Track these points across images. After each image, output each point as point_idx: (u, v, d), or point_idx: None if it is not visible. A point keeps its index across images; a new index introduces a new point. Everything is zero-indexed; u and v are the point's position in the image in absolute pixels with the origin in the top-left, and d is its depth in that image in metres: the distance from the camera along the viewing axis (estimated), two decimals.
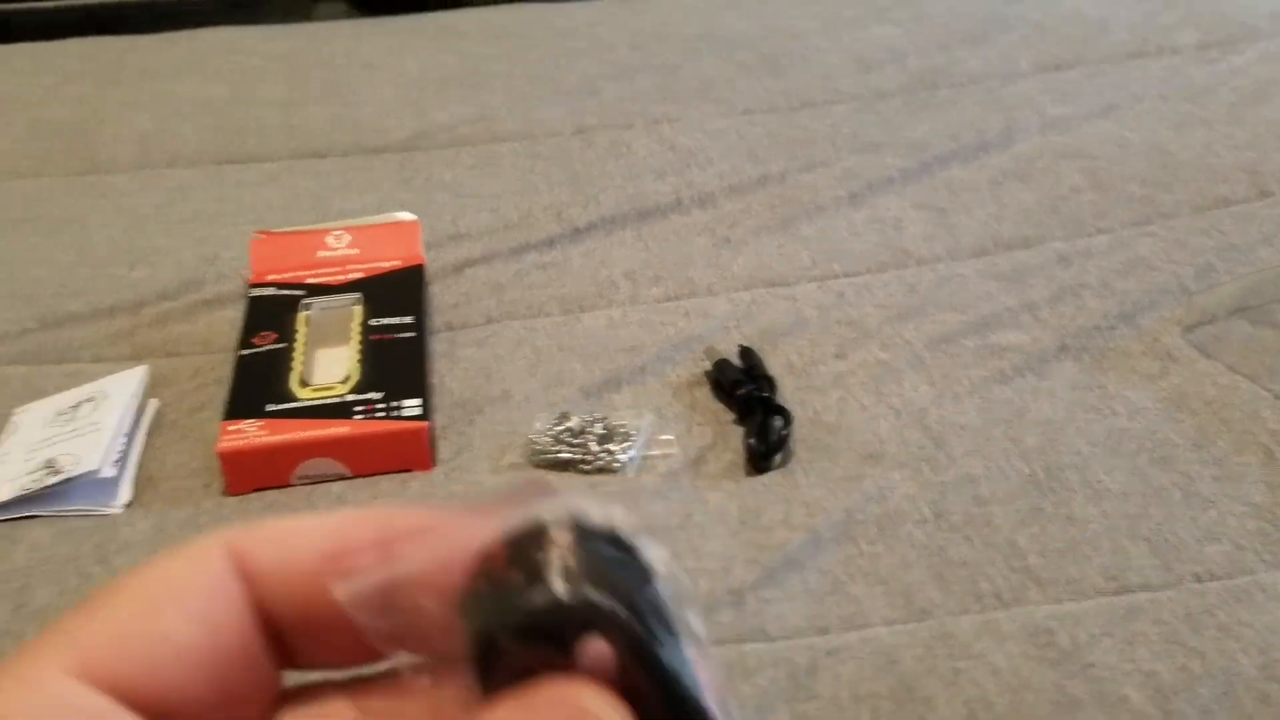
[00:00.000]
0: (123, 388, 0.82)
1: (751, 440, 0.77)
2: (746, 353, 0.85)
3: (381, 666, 0.27)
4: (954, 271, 0.94)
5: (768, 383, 0.82)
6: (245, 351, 0.83)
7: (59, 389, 0.86)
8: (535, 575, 0.24)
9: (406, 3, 1.73)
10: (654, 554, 0.25)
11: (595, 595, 0.24)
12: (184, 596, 0.25)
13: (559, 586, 0.24)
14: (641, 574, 0.25)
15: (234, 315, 0.93)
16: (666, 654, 0.24)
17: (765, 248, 0.99)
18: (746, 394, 0.81)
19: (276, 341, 0.84)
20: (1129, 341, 0.85)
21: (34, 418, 0.81)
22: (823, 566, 0.68)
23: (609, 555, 0.25)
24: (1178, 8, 1.40)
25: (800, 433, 0.78)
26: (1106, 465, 0.74)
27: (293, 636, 0.26)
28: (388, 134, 1.24)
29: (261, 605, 0.26)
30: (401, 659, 0.26)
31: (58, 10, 2.42)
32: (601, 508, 0.25)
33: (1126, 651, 0.61)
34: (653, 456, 0.78)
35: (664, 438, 0.79)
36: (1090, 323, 0.87)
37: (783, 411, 0.79)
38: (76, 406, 0.81)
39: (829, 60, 1.33)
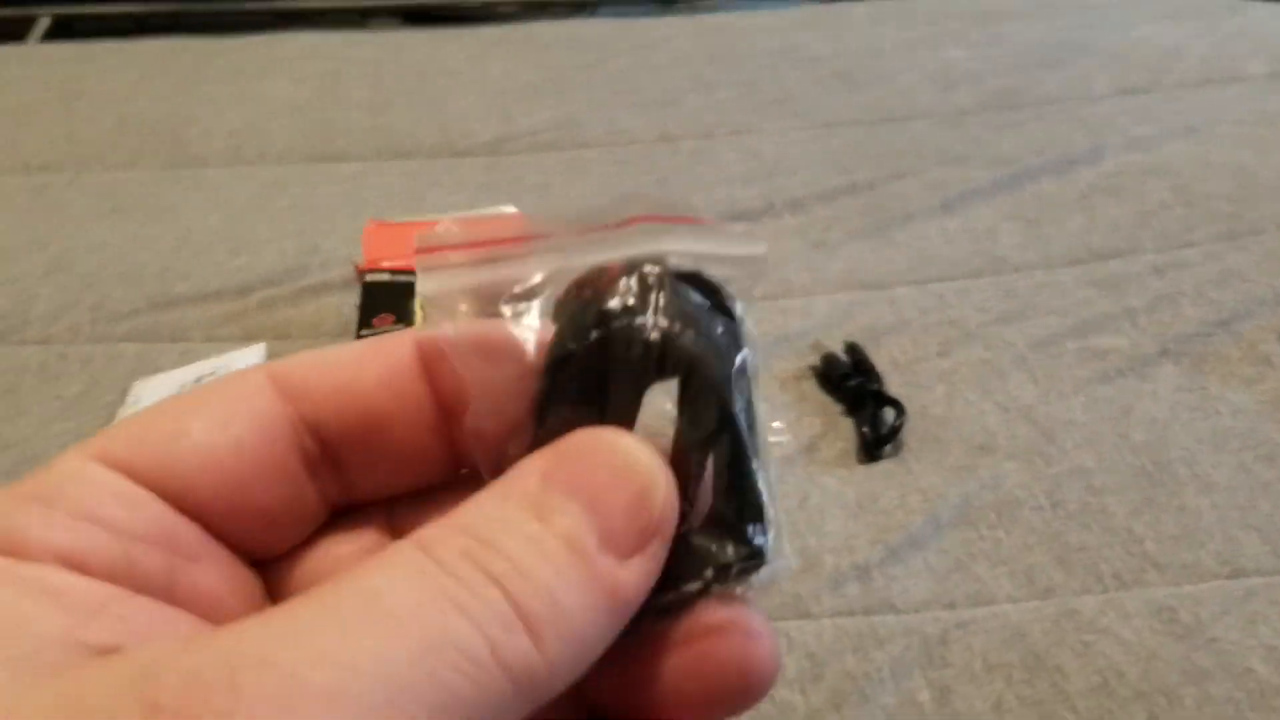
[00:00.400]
0: (246, 361, 0.84)
1: (865, 429, 0.78)
2: (852, 348, 0.87)
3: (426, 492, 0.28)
4: (1051, 278, 0.95)
5: (876, 376, 0.84)
6: (365, 332, 0.85)
7: (173, 365, 0.88)
8: (632, 307, 0.24)
9: (455, 19, 1.76)
10: (747, 324, 0.25)
11: (688, 338, 0.24)
12: (211, 404, 0.25)
13: (653, 319, 0.24)
14: (732, 337, 0.25)
15: (341, 301, 0.95)
16: (740, 420, 0.24)
17: (859, 251, 1.01)
18: (857, 386, 0.82)
19: (394, 323, 0.86)
20: (1227, 347, 0.86)
21: (159, 389, 0.83)
22: (944, 547, 0.69)
23: (704, 310, 0.25)
24: (1245, 39, 1.43)
25: (909, 425, 0.80)
26: (1213, 460, 0.75)
27: (347, 457, 0.27)
28: (473, 136, 1.27)
29: (312, 422, 0.26)
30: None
31: (114, 16, 2.46)
32: (707, 259, 0.25)
33: (1248, 628, 0.62)
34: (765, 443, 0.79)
35: (775, 425, 0.80)
36: (1188, 329, 0.88)
37: (895, 403, 0.80)
38: (201, 379, 0.83)
39: (907, 78, 1.36)
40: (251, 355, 0.85)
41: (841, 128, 1.26)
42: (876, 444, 0.78)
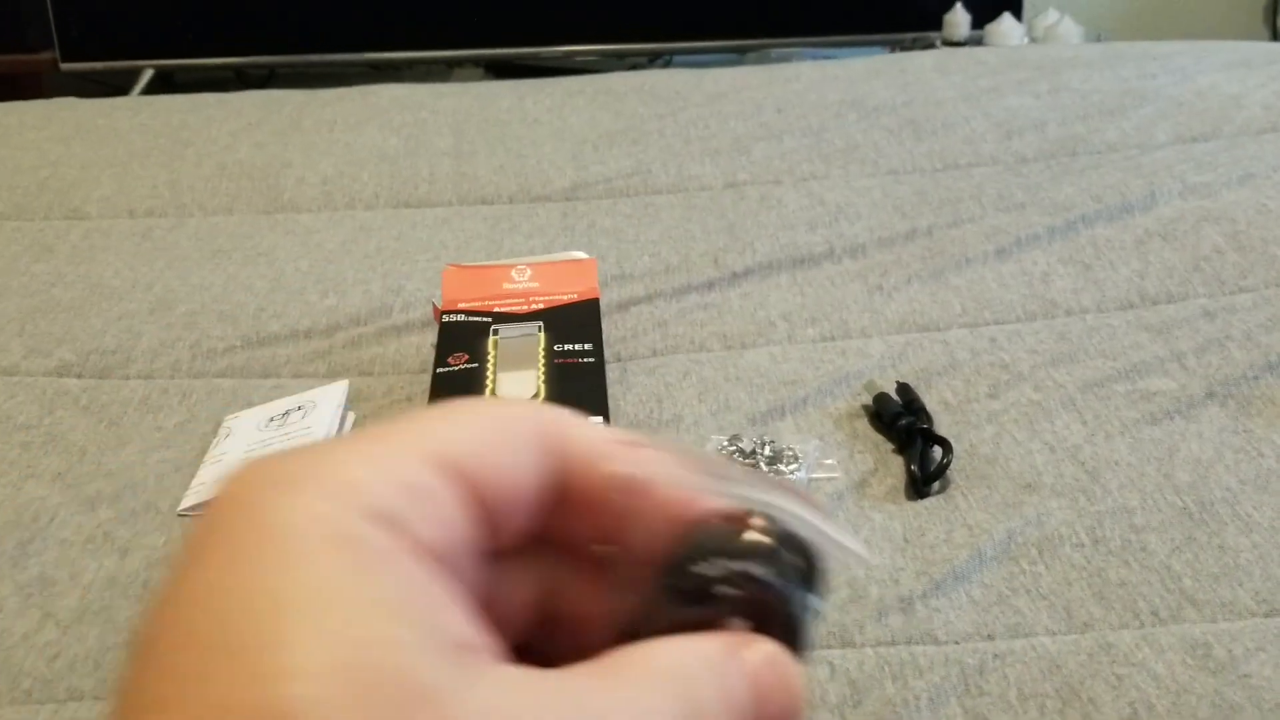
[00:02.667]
0: (329, 398, 0.90)
1: (913, 467, 0.82)
2: (904, 388, 0.91)
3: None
4: (1102, 322, 0.98)
5: (926, 416, 0.87)
6: (441, 370, 0.91)
7: (264, 400, 0.94)
8: (753, 543, 0.28)
9: (538, 71, 1.82)
10: (822, 568, 0.29)
11: (784, 579, 0.28)
12: (520, 434, 0.28)
13: (771, 553, 0.28)
14: (807, 579, 0.28)
15: (420, 340, 1.01)
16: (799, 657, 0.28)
17: (917, 295, 1.05)
18: (907, 425, 0.86)
19: (468, 362, 0.91)
20: (1275, 390, 0.89)
21: (247, 423, 0.89)
22: (986, 581, 0.72)
23: (794, 553, 0.28)
24: None
25: (957, 464, 0.83)
26: (1256, 501, 0.78)
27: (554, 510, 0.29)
28: (550, 183, 1.32)
29: (557, 479, 0.29)
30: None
31: (213, 68, 2.57)
32: (801, 515, 0.29)
33: None
34: (818, 479, 0.83)
35: (827, 462, 0.85)
36: (1236, 372, 0.91)
37: (943, 441, 0.84)
38: (286, 414, 0.89)
39: (970, 126, 1.39)
40: (334, 391, 0.91)
41: (905, 175, 1.29)
42: (925, 481, 0.81)
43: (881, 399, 0.90)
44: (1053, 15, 2.79)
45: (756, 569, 0.28)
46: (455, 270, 1.02)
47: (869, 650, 0.68)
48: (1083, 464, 0.82)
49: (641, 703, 0.25)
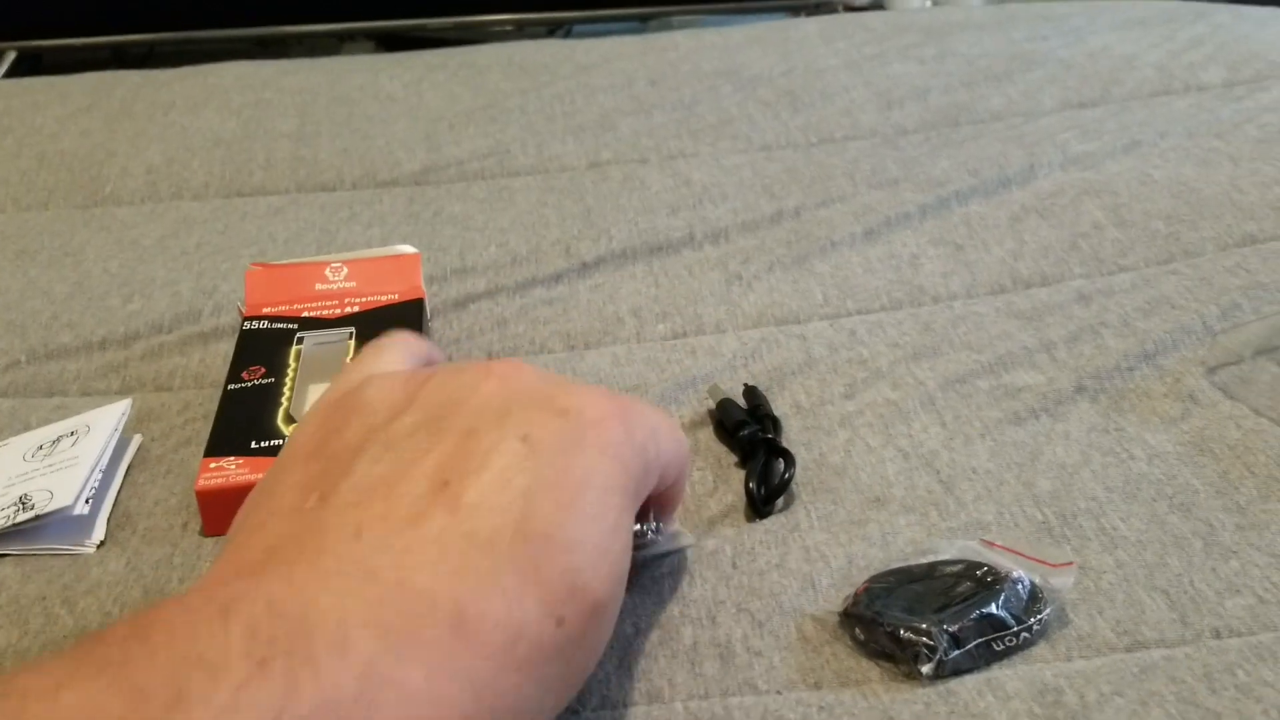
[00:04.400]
0: (105, 421, 0.80)
1: (751, 484, 0.73)
2: (751, 392, 0.82)
3: None
4: (970, 310, 0.90)
5: (772, 423, 0.79)
6: (233, 386, 0.81)
7: (44, 422, 0.84)
8: None
9: (432, 43, 1.72)
10: None
11: None
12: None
13: None
14: None
15: (228, 349, 0.91)
16: None
17: (778, 284, 0.96)
18: (750, 435, 0.77)
19: (265, 376, 0.81)
20: (1150, 382, 0.81)
21: (13, 452, 0.79)
22: (819, 615, 0.64)
23: None
24: (1205, 45, 1.37)
25: (805, 475, 0.75)
26: (1123, 511, 0.70)
27: None
28: (398, 167, 1.23)
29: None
30: None
31: (86, 47, 2.43)
32: None
33: (1139, 713, 0.57)
34: None
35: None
36: (1109, 363, 0.83)
37: (785, 454, 0.75)
38: (56, 441, 0.79)
39: (851, 97, 1.31)
40: (111, 413, 0.81)
41: (777, 151, 1.21)
42: (764, 500, 0.73)
43: (726, 405, 0.81)
44: None
45: None
46: (261, 270, 0.92)
47: (678, 705, 0.59)
48: (938, 472, 0.74)
49: None
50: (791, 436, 0.79)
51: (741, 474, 0.76)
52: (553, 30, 2.89)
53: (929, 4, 2.58)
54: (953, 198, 1.06)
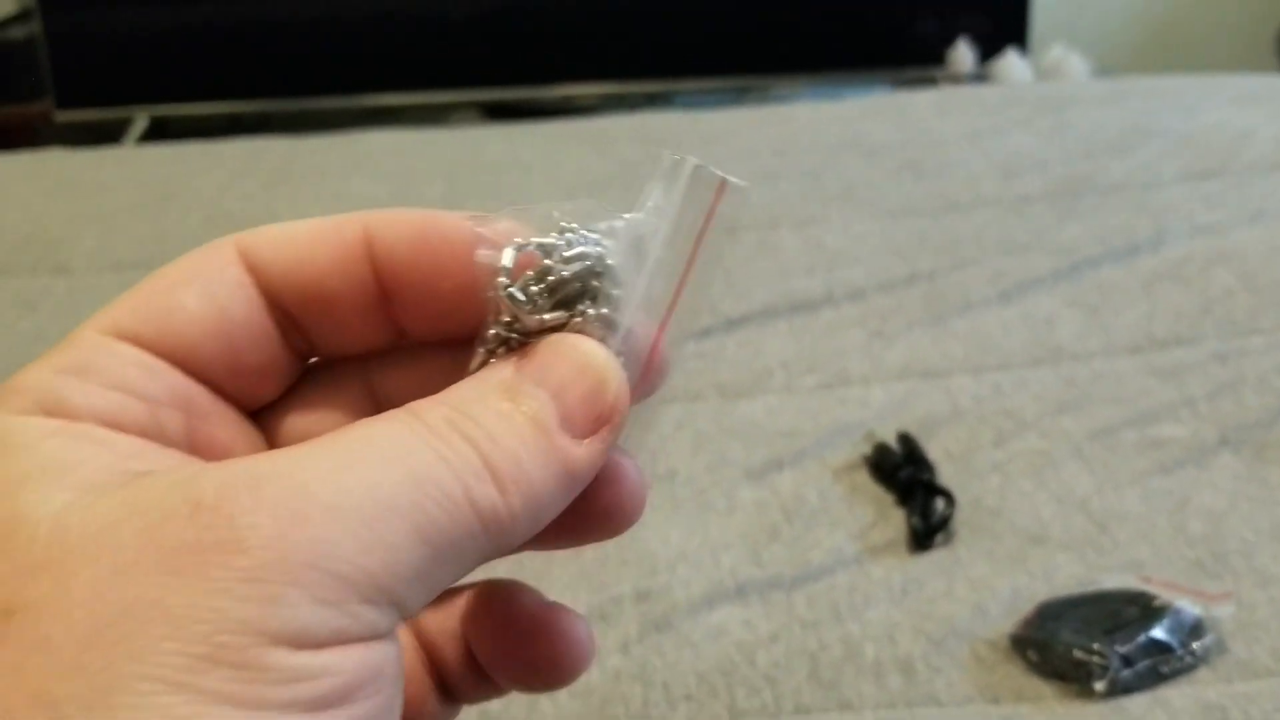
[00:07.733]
0: None
1: (914, 519, 0.79)
2: (905, 439, 0.87)
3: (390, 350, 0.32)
4: (1109, 367, 0.95)
5: (928, 467, 0.84)
6: None
7: None
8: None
9: (534, 113, 1.81)
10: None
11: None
12: (195, 278, 0.30)
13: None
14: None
15: None
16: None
17: (918, 341, 1.02)
18: (907, 477, 0.83)
19: None
20: None
21: None
22: (991, 639, 0.69)
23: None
24: None
25: (961, 516, 0.80)
26: (1273, 552, 0.74)
27: (304, 322, 0.31)
28: None
29: (269, 293, 0.31)
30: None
31: (203, 119, 2.56)
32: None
33: None
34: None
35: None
36: (1250, 418, 0.87)
37: (945, 493, 0.81)
38: None
39: (971, 166, 1.37)
40: None
41: (904, 217, 1.27)
42: (926, 534, 0.78)
43: (881, 450, 0.86)
44: (1058, 51, 2.77)
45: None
46: None
47: (868, 714, 0.64)
48: (1091, 515, 0.79)
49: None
50: (945, 480, 0.84)
51: (899, 512, 0.81)
52: (652, 100, 2.98)
53: (1029, 77, 2.63)
54: (1084, 263, 1.11)
